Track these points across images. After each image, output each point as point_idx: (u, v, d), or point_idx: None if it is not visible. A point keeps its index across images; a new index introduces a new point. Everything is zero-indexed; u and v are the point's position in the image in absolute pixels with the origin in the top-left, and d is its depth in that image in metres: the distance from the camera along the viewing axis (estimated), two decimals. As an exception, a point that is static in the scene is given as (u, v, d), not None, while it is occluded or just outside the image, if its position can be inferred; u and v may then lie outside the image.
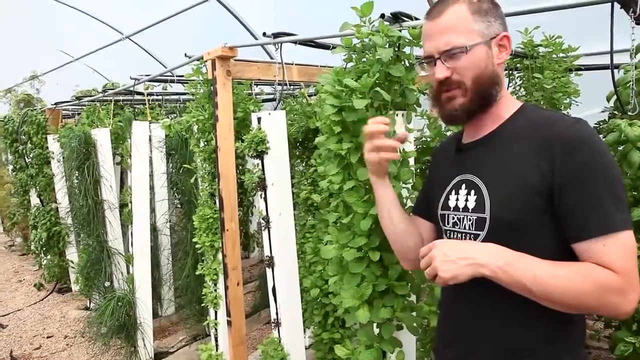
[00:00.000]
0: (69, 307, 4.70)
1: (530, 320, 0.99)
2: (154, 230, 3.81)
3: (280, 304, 2.29)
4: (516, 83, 2.55)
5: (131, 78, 3.48)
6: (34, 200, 5.31)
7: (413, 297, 1.60)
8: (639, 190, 1.74)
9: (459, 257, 0.93)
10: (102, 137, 3.82)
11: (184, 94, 4.24)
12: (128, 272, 3.73)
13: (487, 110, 1.06)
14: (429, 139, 1.87)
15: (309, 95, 2.89)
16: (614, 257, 0.87)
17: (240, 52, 2.36)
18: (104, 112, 4.13)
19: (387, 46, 1.40)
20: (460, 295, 1.09)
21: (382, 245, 1.43)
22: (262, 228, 2.31)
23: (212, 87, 2.38)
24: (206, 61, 2.41)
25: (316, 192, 2.54)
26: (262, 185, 2.27)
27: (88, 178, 3.75)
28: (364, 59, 1.47)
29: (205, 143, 2.63)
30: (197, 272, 2.76)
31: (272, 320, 2.32)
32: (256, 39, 4.13)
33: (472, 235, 1.04)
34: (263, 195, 2.28)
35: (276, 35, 2.22)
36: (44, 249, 4.89)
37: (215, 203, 2.62)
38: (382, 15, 1.54)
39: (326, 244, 1.60)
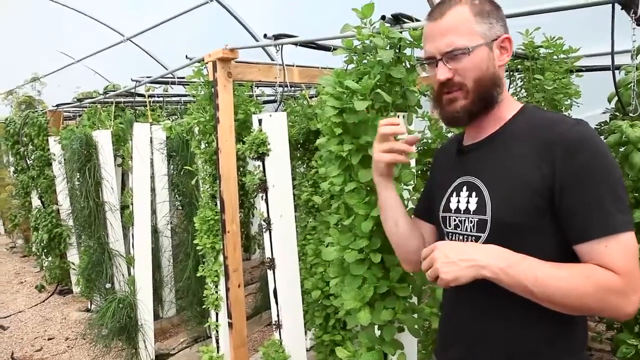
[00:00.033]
0: (70, 308, 4.70)
1: (532, 322, 0.98)
2: (155, 232, 3.82)
3: (282, 305, 2.29)
4: (517, 84, 2.55)
5: (132, 80, 3.49)
6: (35, 202, 5.32)
7: (414, 299, 1.59)
8: (641, 191, 1.74)
9: (461, 259, 0.92)
10: (103, 138, 3.82)
11: (185, 95, 4.25)
12: (129, 273, 3.73)
13: (488, 112, 1.06)
14: (430, 141, 1.87)
15: (309, 97, 2.89)
16: (616, 259, 0.87)
17: (241, 54, 2.36)
18: (105, 113, 4.14)
19: (388, 48, 1.40)
20: (462, 297, 1.09)
21: (384, 247, 1.43)
22: (263, 230, 2.31)
23: (213, 89, 2.38)
24: (207, 63, 2.41)
25: (317, 194, 2.54)
26: (263, 187, 2.27)
27: (89, 180, 3.75)
28: (365, 61, 1.47)
29: (206, 145, 2.63)
30: (198, 274, 2.76)
31: (273, 322, 2.32)
32: (257, 40, 4.13)
33: (473, 238, 1.04)
34: (264, 197, 2.28)
35: (277, 36, 2.22)
36: (45, 250, 4.90)
37: (216, 205, 2.62)
38: (383, 17, 1.54)
39: (327, 246, 1.60)
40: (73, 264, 4.81)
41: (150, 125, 3.57)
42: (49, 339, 4.01)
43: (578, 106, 2.40)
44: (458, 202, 1.09)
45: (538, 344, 0.98)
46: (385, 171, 1.19)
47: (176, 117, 4.50)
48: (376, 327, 1.56)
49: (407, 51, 1.47)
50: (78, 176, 3.90)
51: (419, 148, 1.84)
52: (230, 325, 2.46)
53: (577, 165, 0.91)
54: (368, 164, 1.42)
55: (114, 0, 4.85)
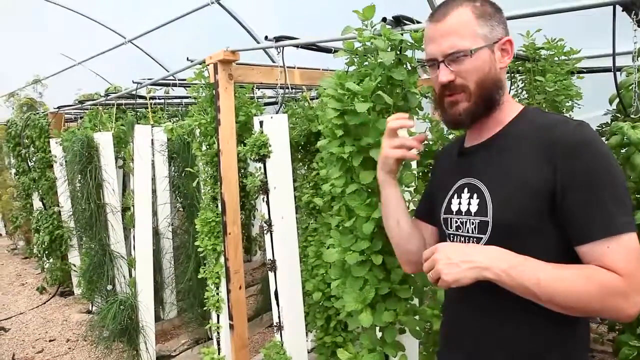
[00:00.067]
0: (71, 310, 4.71)
1: (534, 324, 0.98)
2: (156, 233, 3.82)
3: (283, 307, 2.29)
4: (518, 86, 2.55)
5: (133, 82, 3.49)
6: (37, 203, 5.32)
7: (416, 301, 1.59)
8: (643, 193, 1.73)
9: (462, 260, 0.92)
10: (104, 140, 3.83)
11: (186, 97, 4.25)
12: (130, 275, 3.73)
13: (490, 114, 1.06)
14: (431, 142, 1.87)
15: (310, 99, 2.89)
16: (618, 260, 0.87)
17: (242, 56, 2.37)
18: (107, 115, 4.14)
19: (389, 50, 1.40)
20: (464, 299, 1.09)
21: (385, 248, 1.43)
22: (265, 231, 2.31)
23: (214, 91, 2.39)
24: (208, 65, 2.41)
25: (318, 196, 2.54)
26: (264, 188, 2.27)
27: (90, 182, 3.75)
28: (366, 63, 1.47)
29: (208, 147, 2.63)
30: (200, 276, 2.76)
31: (275, 324, 2.32)
32: (258, 42, 4.13)
33: (475, 239, 1.04)
34: (265, 199, 2.28)
35: (278, 38, 2.22)
36: (47, 252, 4.89)
37: (217, 206, 2.63)
38: (384, 19, 1.54)
39: (328, 248, 1.60)
40: (74, 265, 4.81)
41: (152, 127, 3.58)
42: (50, 341, 4.01)
43: (579, 108, 2.40)
44: (459, 203, 1.09)
45: (540, 345, 0.98)
46: (394, 168, 1.19)
47: (177, 119, 4.50)
48: (377, 328, 1.56)
49: (409, 53, 1.47)
50: (79, 178, 3.90)
51: (420, 150, 1.84)
52: (231, 326, 2.46)
53: (578, 166, 0.91)
54: (369, 166, 1.42)
55: (115, 3, 4.86)
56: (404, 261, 1.30)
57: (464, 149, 1.16)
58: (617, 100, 1.85)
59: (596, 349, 2.78)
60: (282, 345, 2.29)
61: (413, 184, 1.51)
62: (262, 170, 2.27)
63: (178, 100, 4.47)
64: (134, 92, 3.65)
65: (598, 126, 2.24)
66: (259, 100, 3.11)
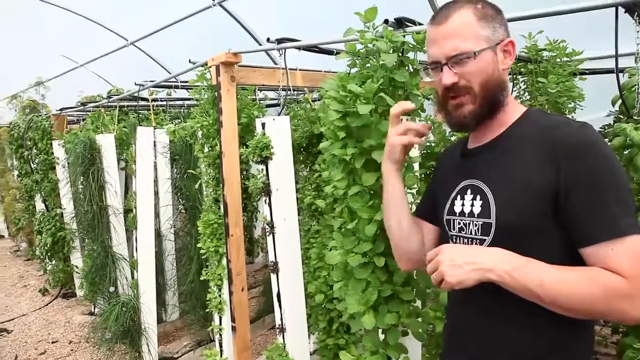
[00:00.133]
0: (73, 312, 4.71)
1: (538, 326, 0.98)
2: (158, 235, 3.82)
3: (285, 309, 2.28)
4: (520, 87, 2.55)
5: (135, 84, 3.50)
6: (39, 205, 5.33)
7: (418, 303, 1.59)
8: (646, 194, 1.73)
9: (466, 262, 0.92)
10: (106, 142, 3.83)
11: (188, 99, 4.26)
12: (132, 277, 3.74)
13: (494, 116, 1.06)
14: (433, 144, 1.87)
15: (313, 101, 2.89)
16: (622, 262, 0.86)
17: (244, 58, 2.37)
18: (109, 117, 4.15)
19: (391, 51, 1.40)
20: (467, 300, 1.09)
21: (387, 250, 1.42)
22: (267, 233, 2.31)
23: (216, 93, 2.39)
24: (210, 67, 2.41)
25: (320, 198, 2.54)
26: (266, 190, 2.27)
27: (93, 183, 3.76)
28: (368, 65, 1.47)
29: (210, 148, 2.63)
30: (202, 278, 2.76)
31: (277, 326, 2.32)
32: (260, 44, 4.14)
33: (478, 241, 1.04)
34: (267, 201, 2.28)
35: (280, 40, 2.23)
36: (49, 254, 4.90)
37: (219, 208, 2.63)
38: (386, 21, 1.54)
39: (331, 250, 1.60)
40: (77, 267, 4.82)
41: (154, 129, 3.58)
42: (52, 342, 4.02)
43: (582, 109, 2.39)
44: (462, 205, 1.09)
45: (544, 347, 0.98)
46: (400, 157, 1.19)
47: (179, 120, 4.51)
48: (380, 330, 1.56)
49: (410, 55, 1.47)
50: (82, 180, 3.91)
51: (422, 152, 1.84)
52: (233, 328, 2.46)
53: (581, 167, 0.91)
54: (371, 168, 1.42)
55: (117, 5, 4.87)
56: (401, 258, 1.29)
57: (467, 150, 1.16)
58: (620, 101, 1.85)
59: (600, 352, 2.76)
60: (284, 347, 2.29)
61: (415, 185, 1.50)
62: (265, 172, 2.27)
63: (180, 102, 4.48)
64: (136, 94, 3.65)
65: (601, 128, 2.24)
66: (261, 102, 3.10)
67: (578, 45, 2.41)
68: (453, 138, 1.82)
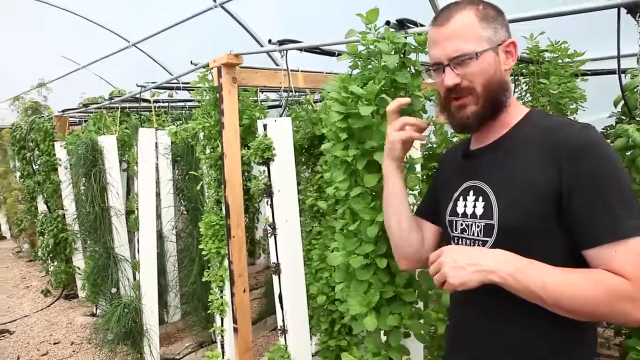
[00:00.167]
0: (75, 313, 4.72)
1: (540, 328, 0.98)
2: (160, 237, 3.82)
3: (287, 310, 2.28)
4: (522, 88, 2.54)
5: (137, 85, 3.51)
6: (41, 206, 5.35)
7: (420, 304, 1.59)
8: (648, 195, 1.72)
9: (468, 264, 0.92)
10: (108, 144, 3.84)
11: (190, 100, 4.27)
12: (134, 278, 3.74)
13: (497, 117, 1.06)
14: (435, 145, 1.87)
15: (314, 102, 2.89)
16: (625, 264, 0.86)
17: (246, 59, 2.37)
18: (111, 119, 4.16)
19: (392, 53, 1.40)
20: (470, 302, 1.09)
21: (389, 252, 1.42)
22: (268, 235, 2.31)
23: (217, 94, 2.39)
24: (212, 68, 2.42)
25: (322, 199, 2.54)
26: (268, 191, 2.27)
27: (95, 185, 3.77)
28: (370, 66, 1.47)
29: (211, 150, 2.63)
30: (203, 279, 2.76)
31: (279, 327, 2.32)
32: (262, 46, 4.15)
33: (480, 242, 1.04)
34: (269, 202, 2.28)
35: (281, 42, 2.23)
36: (51, 255, 4.91)
37: (221, 210, 2.63)
38: (388, 22, 1.54)
39: (333, 251, 1.60)
40: (79, 268, 4.82)
41: (156, 130, 3.59)
42: (54, 344, 4.02)
43: (584, 110, 2.39)
44: (465, 206, 1.09)
45: (546, 349, 0.98)
46: (400, 154, 1.19)
47: (181, 122, 4.52)
48: (382, 332, 1.56)
49: (412, 56, 1.46)
50: (84, 181, 3.92)
51: (424, 153, 1.84)
52: (235, 330, 2.46)
53: (584, 168, 0.91)
54: (373, 169, 1.42)
55: (119, 7, 4.89)
56: (401, 256, 1.28)
57: (469, 151, 1.15)
58: (622, 102, 1.85)
59: (602, 354, 2.75)
60: (286, 348, 2.29)
61: (417, 187, 1.50)
62: (266, 173, 2.27)
63: (182, 104, 4.49)
64: (137, 96, 3.66)
65: (603, 129, 2.24)
66: (263, 103, 3.11)
67: (580, 46, 2.41)
68: (455, 139, 1.82)
